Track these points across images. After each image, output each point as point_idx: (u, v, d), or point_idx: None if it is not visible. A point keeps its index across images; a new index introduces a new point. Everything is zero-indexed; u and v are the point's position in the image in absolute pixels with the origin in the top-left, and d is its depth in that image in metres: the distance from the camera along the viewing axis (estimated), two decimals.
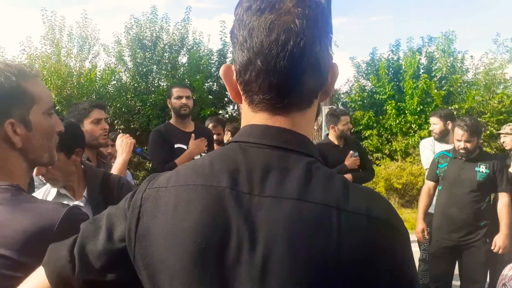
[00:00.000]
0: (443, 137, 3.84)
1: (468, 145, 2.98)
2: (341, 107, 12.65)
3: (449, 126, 3.81)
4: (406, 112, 10.49)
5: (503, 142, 3.85)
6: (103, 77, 10.71)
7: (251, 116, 0.62)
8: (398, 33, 20.85)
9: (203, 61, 11.36)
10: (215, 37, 26.56)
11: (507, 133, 3.78)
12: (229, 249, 0.52)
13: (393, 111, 10.61)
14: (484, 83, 10.76)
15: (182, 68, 11.39)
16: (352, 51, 51.45)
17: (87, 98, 9.57)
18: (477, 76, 11.39)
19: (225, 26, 12.02)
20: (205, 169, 0.58)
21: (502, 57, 11.13)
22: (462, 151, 3.02)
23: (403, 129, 10.52)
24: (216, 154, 0.62)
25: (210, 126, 3.72)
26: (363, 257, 0.51)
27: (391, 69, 11.34)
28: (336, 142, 3.84)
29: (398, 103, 10.68)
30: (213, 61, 11.84)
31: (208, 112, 10.10)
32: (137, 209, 0.59)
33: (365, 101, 11.54)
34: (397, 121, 10.46)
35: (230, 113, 12.76)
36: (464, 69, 11.41)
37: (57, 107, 8.94)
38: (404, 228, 0.57)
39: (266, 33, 0.57)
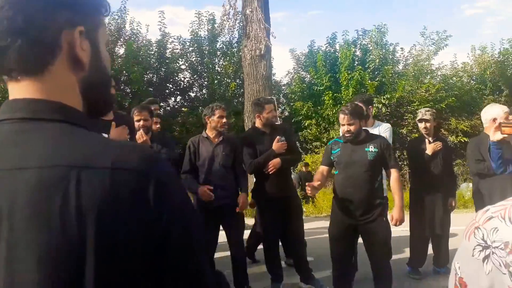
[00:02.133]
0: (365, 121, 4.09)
1: (351, 128, 3.12)
2: (283, 98, 12.93)
3: (370, 111, 4.07)
4: (342, 102, 10.92)
5: (425, 128, 4.14)
6: None
7: None
8: (335, 26, 21.55)
9: (141, 52, 11.07)
10: (155, 27, 26.01)
11: (427, 119, 4.09)
12: None
13: (330, 101, 11.01)
14: (413, 73, 11.46)
15: (119, 59, 11.01)
16: (294, 44, 52.48)
17: None
18: (407, 67, 12.12)
19: (164, 17, 11.80)
20: None
21: (429, 49, 11.93)
22: (347, 134, 3.15)
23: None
24: None
25: (135, 112, 3.67)
26: (106, 212, 0.51)
27: (328, 61, 11.74)
28: (263, 129, 3.99)
29: (335, 94, 11.09)
30: (152, 52, 11.57)
31: None
32: None
33: (305, 92, 11.87)
34: (334, 111, 10.88)
35: (172, 105, 12.57)
36: (395, 61, 12.09)
37: None
38: (168, 177, 0.57)
39: None
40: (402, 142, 10.17)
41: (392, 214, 3.17)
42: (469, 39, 38.09)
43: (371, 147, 3.21)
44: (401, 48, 12.30)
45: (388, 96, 10.50)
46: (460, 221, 6.77)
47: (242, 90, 10.44)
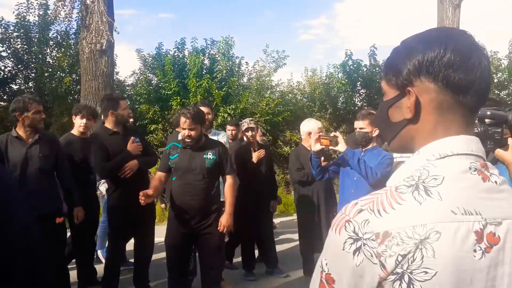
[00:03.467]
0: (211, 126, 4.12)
1: (192, 133, 3.09)
2: (127, 100, 12.20)
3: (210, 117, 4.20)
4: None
5: (252, 136, 4.36)
6: None
7: None
8: (184, 32, 21.74)
9: None
10: None
11: (253, 127, 4.33)
12: None
13: (178, 107, 10.87)
14: (256, 87, 12.24)
15: None
16: (141, 44, 50.98)
17: None
18: (250, 80, 12.88)
19: None
20: None
21: (270, 66, 12.94)
22: (187, 139, 3.12)
23: None
24: None
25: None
26: None
27: (176, 66, 11.61)
28: (115, 129, 3.55)
29: (183, 100, 11.01)
30: None
31: None
32: None
33: (151, 95, 11.46)
34: None
35: None
36: (240, 73, 12.73)
37: None
38: None
39: None
40: None
41: (221, 220, 3.18)
42: (303, 61, 43.07)
43: (210, 154, 3.19)
44: (246, 62, 13.04)
45: (234, 107, 10.93)
46: (285, 224, 7.38)
47: (78, 86, 9.45)
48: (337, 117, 12.26)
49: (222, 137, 4.01)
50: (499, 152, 2.17)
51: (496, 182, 0.74)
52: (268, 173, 4.54)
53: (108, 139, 3.48)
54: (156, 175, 3.33)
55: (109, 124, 3.54)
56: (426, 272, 0.65)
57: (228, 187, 3.25)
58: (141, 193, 2.96)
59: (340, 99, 12.75)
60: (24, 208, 0.75)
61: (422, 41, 0.76)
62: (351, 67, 12.30)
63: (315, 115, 12.51)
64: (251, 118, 4.65)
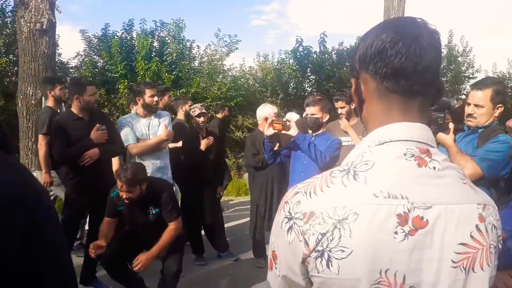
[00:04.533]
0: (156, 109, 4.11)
1: (130, 195, 3.00)
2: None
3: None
4: None
5: (203, 122, 4.37)
6: None
7: None
8: (132, 13, 20.86)
9: None
10: None
11: (204, 113, 4.33)
12: None
13: (126, 90, 10.49)
14: (207, 71, 12.08)
15: None
16: (86, 25, 48.33)
17: None
18: (202, 64, 12.68)
19: None
20: None
21: (222, 50, 12.79)
22: (126, 200, 3.09)
23: None
24: None
25: None
26: None
27: (124, 48, 11.15)
28: (80, 115, 3.42)
29: (131, 83, 10.62)
30: None
31: None
32: None
33: (97, 78, 10.94)
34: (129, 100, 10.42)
35: None
36: (191, 57, 12.47)
37: None
38: None
39: None
40: None
41: (141, 255, 3.01)
42: (255, 46, 43.11)
43: (152, 208, 3.16)
44: (198, 46, 12.78)
45: (184, 91, 10.73)
46: (237, 207, 7.50)
47: (16, 68, 8.82)
48: (288, 102, 12.46)
49: (164, 120, 3.92)
50: (440, 135, 2.33)
51: (434, 168, 0.75)
52: (217, 159, 4.54)
53: (71, 124, 3.38)
54: (104, 221, 3.20)
55: (74, 109, 3.44)
56: (343, 251, 0.69)
57: (168, 231, 3.10)
58: (91, 246, 2.92)
59: (291, 84, 12.94)
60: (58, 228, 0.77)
61: (364, 35, 0.81)
62: (302, 53, 12.49)
63: (267, 100, 12.62)
64: (201, 104, 4.62)
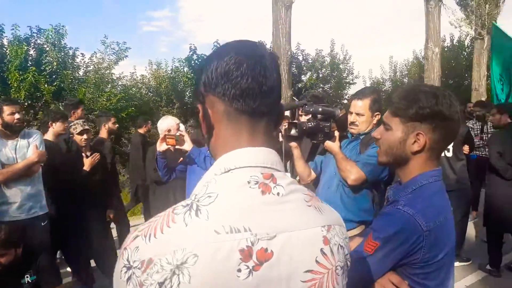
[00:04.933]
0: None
1: (2, 260, 2.62)
2: None
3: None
4: None
5: (86, 140, 4.01)
6: None
7: None
8: (2, 18, 18.54)
9: None
10: None
11: (86, 129, 4.02)
12: None
13: None
14: (94, 81, 11.23)
15: None
16: None
17: None
18: (87, 74, 11.77)
19: None
20: None
21: (110, 58, 12.03)
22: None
23: None
24: None
25: None
26: None
27: None
28: None
29: (2, 96, 9.38)
30: None
31: None
32: None
33: None
34: None
35: None
36: (75, 66, 11.50)
37: None
38: None
39: None
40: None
41: None
42: (147, 54, 41.76)
43: (28, 277, 2.72)
44: (82, 54, 11.82)
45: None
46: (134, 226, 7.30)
47: None
48: (185, 112, 12.25)
49: (34, 139, 3.47)
50: (328, 143, 2.45)
51: (278, 193, 0.72)
52: (103, 179, 4.14)
53: None
54: None
55: None
56: None
57: None
58: None
59: (187, 93, 12.76)
60: None
61: (206, 58, 0.79)
62: (196, 61, 12.39)
63: (162, 109, 12.25)
64: (83, 120, 4.20)
